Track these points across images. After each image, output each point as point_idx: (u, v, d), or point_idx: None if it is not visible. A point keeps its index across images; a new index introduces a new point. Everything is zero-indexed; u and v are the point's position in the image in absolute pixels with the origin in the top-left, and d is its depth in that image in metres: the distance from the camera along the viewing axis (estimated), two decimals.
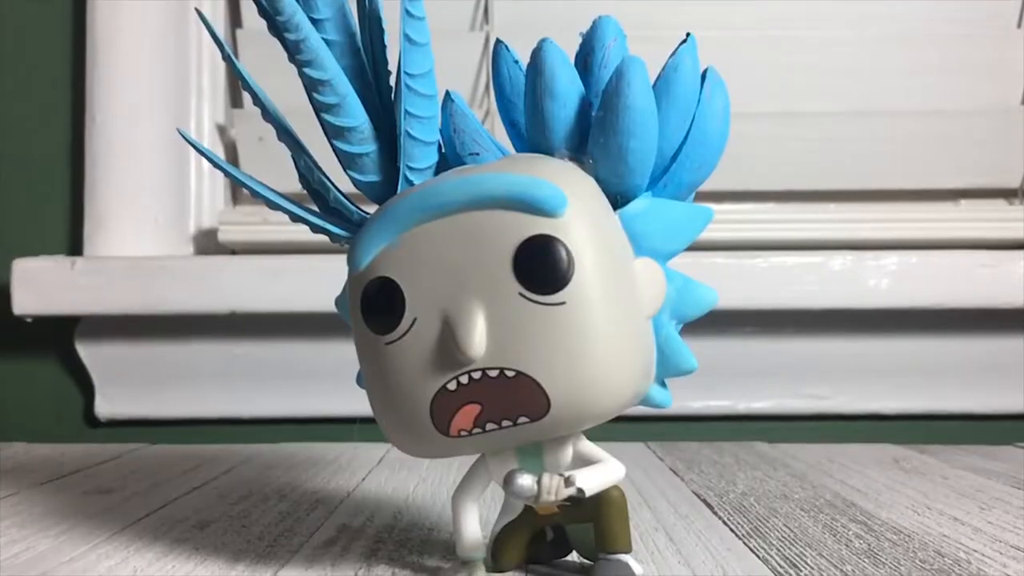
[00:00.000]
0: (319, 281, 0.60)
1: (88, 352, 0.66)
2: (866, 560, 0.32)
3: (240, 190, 0.71)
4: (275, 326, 0.65)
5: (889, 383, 0.66)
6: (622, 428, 0.64)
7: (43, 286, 0.62)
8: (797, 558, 0.33)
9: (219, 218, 0.67)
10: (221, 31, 0.70)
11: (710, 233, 0.64)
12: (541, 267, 0.26)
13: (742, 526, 0.38)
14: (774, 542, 0.35)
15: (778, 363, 0.66)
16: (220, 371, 0.66)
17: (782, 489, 0.46)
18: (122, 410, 0.67)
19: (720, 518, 0.39)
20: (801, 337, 0.66)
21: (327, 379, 0.65)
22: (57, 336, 0.67)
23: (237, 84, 0.69)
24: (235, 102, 0.71)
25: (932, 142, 0.68)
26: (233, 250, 0.68)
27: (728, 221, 0.67)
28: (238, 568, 0.32)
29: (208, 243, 0.68)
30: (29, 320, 0.63)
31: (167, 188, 0.68)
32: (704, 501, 0.43)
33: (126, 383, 0.67)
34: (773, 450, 0.59)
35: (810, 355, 0.66)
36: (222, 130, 0.70)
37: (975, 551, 0.34)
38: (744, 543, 0.35)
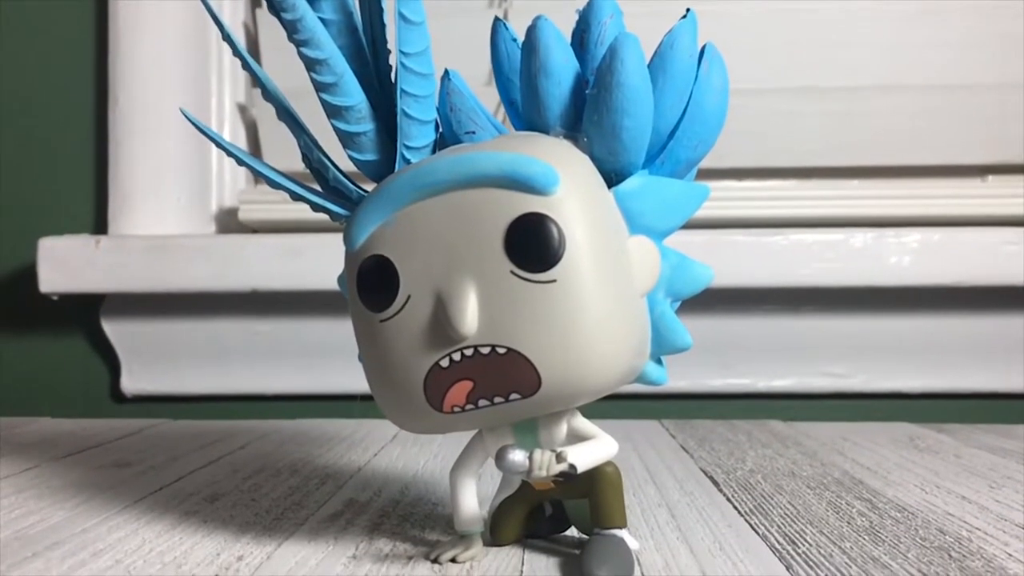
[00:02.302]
0: (340, 259, 0.60)
1: (113, 329, 0.68)
2: (866, 537, 0.32)
3: None
4: (296, 304, 0.66)
5: (909, 362, 0.66)
6: (638, 406, 0.64)
7: (69, 264, 0.63)
8: (797, 535, 0.33)
9: (240, 197, 0.68)
10: (241, 11, 0.70)
11: (730, 211, 0.65)
12: (532, 245, 0.26)
13: (746, 503, 0.38)
14: (776, 519, 0.35)
15: (798, 341, 0.66)
16: (242, 348, 0.67)
17: (791, 467, 0.46)
18: (147, 386, 0.68)
19: (724, 495, 0.39)
20: (821, 315, 0.66)
21: (346, 356, 0.65)
22: (83, 314, 0.69)
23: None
24: (256, 82, 0.72)
25: (958, 117, 0.66)
26: (254, 229, 0.68)
27: (748, 198, 0.66)
28: (243, 540, 0.32)
29: (229, 222, 0.69)
30: (55, 298, 0.65)
31: (189, 168, 0.68)
32: (711, 478, 0.43)
33: (151, 360, 0.68)
34: (787, 428, 0.59)
35: (830, 333, 0.66)
36: (243, 109, 0.71)
37: (978, 529, 0.34)
38: (746, 520, 0.35)
